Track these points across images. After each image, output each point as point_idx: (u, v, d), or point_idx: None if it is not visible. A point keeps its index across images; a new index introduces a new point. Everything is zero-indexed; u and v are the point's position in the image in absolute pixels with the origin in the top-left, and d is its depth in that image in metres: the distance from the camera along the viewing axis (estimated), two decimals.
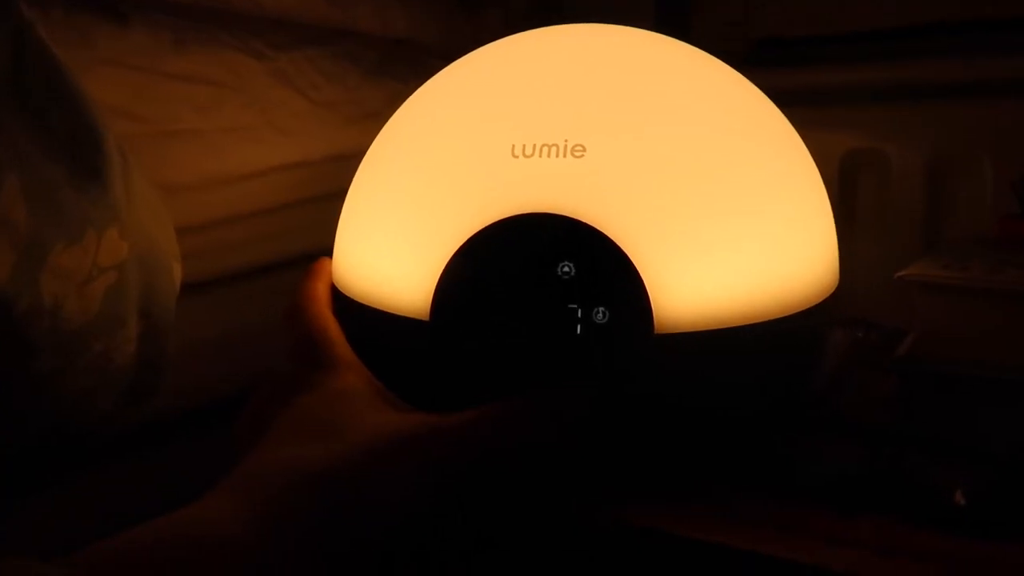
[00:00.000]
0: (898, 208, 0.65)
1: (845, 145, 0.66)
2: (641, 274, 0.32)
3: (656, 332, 0.32)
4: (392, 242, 0.36)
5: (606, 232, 0.32)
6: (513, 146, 0.34)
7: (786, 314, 0.34)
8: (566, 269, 0.32)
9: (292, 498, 0.27)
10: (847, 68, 0.68)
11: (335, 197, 0.43)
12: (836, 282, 0.39)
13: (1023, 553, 0.31)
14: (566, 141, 0.34)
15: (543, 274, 0.32)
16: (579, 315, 0.32)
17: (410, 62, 0.65)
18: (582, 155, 0.33)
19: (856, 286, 0.54)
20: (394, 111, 0.42)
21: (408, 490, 0.29)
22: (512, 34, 0.41)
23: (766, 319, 0.34)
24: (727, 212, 0.34)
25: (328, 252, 0.42)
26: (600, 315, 0.32)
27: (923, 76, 0.66)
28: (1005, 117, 0.62)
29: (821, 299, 0.36)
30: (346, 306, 0.38)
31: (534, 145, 0.34)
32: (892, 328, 0.53)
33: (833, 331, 0.49)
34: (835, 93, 0.69)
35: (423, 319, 0.34)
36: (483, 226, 0.33)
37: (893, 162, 0.65)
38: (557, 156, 0.34)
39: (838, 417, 0.40)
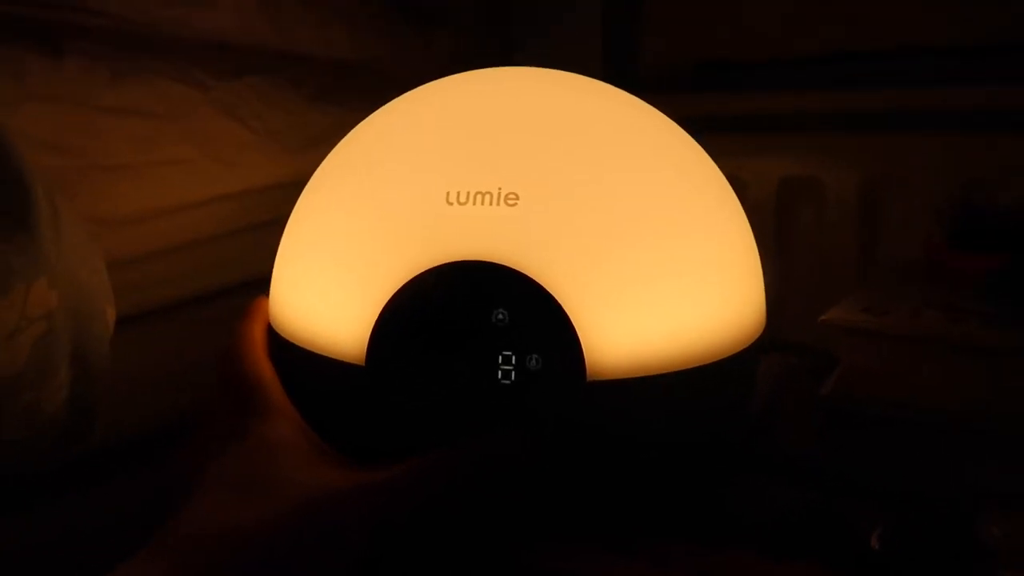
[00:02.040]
0: (833, 233, 0.67)
1: (782, 172, 0.68)
2: (573, 322, 0.33)
3: (588, 379, 0.33)
4: (328, 285, 0.36)
5: (539, 280, 0.33)
6: (448, 193, 0.35)
7: (716, 359, 0.35)
8: (500, 316, 0.33)
9: (223, 561, 0.27)
10: (785, 95, 0.70)
11: (276, 224, 0.43)
12: (764, 324, 0.40)
13: None
14: (500, 189, 0.34)
15: (477, 321, 0.33)
16: (513, 362, 0.33)
17: (355, 86, 0.65)
18: (515, 203, 0.34)
19: (791, 310, 0.55)
20: (340, 138, 0.42)
21: (341, 547, 0.29)
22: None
23: (697, 364, 0.34)
24: (658, 260, 0.34)
25: (269, 279, 0.42)
26: (533, 362, 0.33)
27: (857, 105, 0.68)
28: (934, 147, 0.65)
29: (750, 342, 0.37)
30: (281, 347, 0.38)
31: (468, 193, 0.34)
32: (825, 353, 0.54)
33: (767, 357, 0.51)
34: (773, 120, 0.70)
35: (358, 363, 0.34)
36: (417, 272, 0.34)
37: (828, 189, 0.67)
38: (491, 204, 0.34)
39: (768, 455, 0.41)
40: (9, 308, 0.31)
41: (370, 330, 0.34)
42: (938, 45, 0.68)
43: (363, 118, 0.42)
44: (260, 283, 0.43)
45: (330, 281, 0.36)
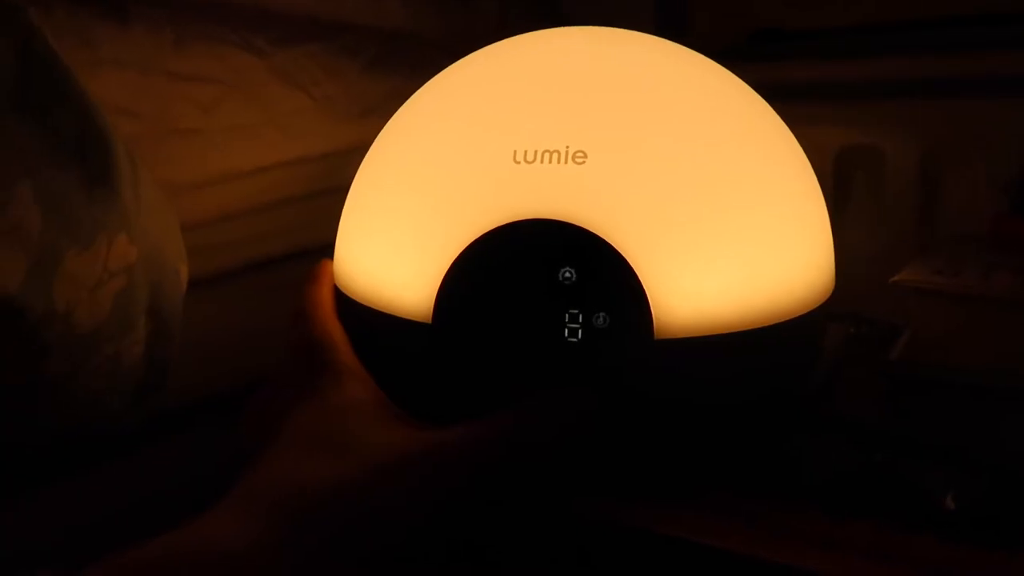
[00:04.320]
0: (892, 204, 0.66)
1: (840, 141, 0.67)
2: (641, 280, 0.33)
3: (656, 337, 0.33)
4: (395, 245, 0.37)
5: (607, 238, 0.33)
6: (515, 152, 0.35)
7: (784, 319, 0.35)
8: (567, 275, 0.33)
9: (298, 516, 0.28)
10: (842, 63, 0.69)
11: (336, 192, 0.43)
12: (832, 285, 0.39)
13: (1013, 561, 0.32)
14: (567, 147, 0.34)
15: (544, 279, 0.33)
16: (580, 320, 0.33)
17: (409, 56, 0.65)
18: (583, 161, 0.34)
19: (850, 282, 0.55)
20: (394, 106, 0.42)
21: (412, 507, 0.30)
22: (510, 26, 0.42)
23: (765, 324, 0.34)
24: (727, 218, 0.34)
25: (329, 247, 0.43)
26: (601, 320, 0.33)
27: (918, 72, 0.66)
28: (999, 113, 0.63)
29: (819, 303, 0.37)
30: (349, 308, 0.39)
31: (535, 151, 0.34)
32: (885, 323, 0.53)
33: (827, 328, 0.50)
34: (830, 88, 0.69)
35: (425, 322, 0.35)
36: (485, 231, 0.34)
37: (888, 158, 0.66)
38: (559, 162, 0.34)
39: (831, 418, 0.40)
40: (93, 260, 0.31)
41: (437, 288, 0.34)
42: (1003, 11, 0.66)
43: (418, 87, 0.42)
44: (321, 250, 0.43)
45: (397, 241, 0.37)
